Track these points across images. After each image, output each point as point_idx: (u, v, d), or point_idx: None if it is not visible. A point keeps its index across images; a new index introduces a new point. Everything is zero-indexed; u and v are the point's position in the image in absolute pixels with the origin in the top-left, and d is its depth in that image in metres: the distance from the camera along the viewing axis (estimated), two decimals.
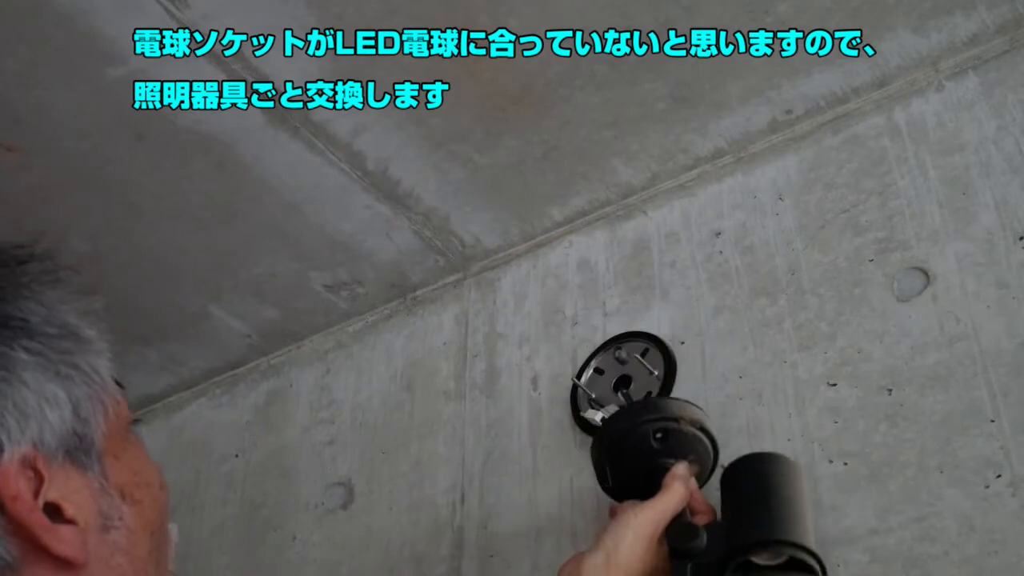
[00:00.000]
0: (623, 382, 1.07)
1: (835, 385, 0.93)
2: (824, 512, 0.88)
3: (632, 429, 0.88)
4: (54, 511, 0.56)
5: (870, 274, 0.96)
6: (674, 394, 1.02)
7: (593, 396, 1.07)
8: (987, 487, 0.82)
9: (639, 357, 1.06)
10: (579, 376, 1.10)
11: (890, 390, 0.90)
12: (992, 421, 0.84)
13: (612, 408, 1.01)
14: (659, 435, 0.87)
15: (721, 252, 1.08)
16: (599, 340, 1.12)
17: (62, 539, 0.56)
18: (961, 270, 0.91)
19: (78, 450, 0.59)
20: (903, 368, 0.90)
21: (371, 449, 1.27)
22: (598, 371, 1.10)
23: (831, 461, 0.90)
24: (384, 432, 1.28)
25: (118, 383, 0.62)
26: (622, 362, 1.08)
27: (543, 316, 1.21)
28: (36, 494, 0.56)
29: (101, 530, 0.59)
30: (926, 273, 0.93)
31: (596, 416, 1.00)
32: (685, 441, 0.87)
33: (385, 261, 1.31)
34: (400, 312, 1.36)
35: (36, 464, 0.56)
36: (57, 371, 0.58)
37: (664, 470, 0.85)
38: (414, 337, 1.33)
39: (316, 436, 1.35)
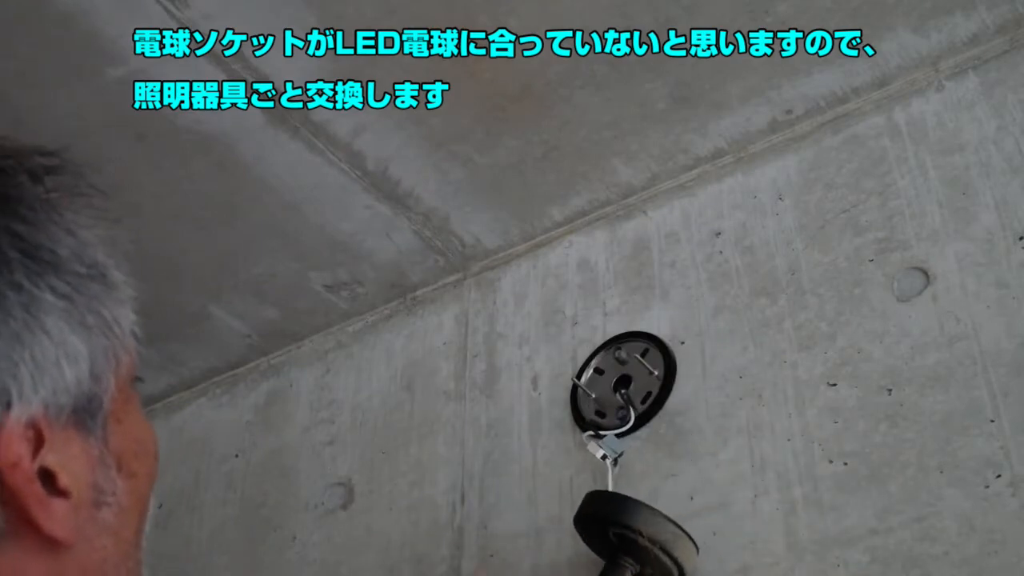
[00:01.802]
0: (623, 382, 1.07)
1: (835, 385, 0.93)
2: (825, 512, 0.88)
3: (597, 519, 0.92)
4: (47, 478, 0.49)
5: (870, 274, 0.96)
6: (674, 395, 1.02)
7: (593, 396, 1.07)
8: (987, 487, 0.82)
9: (639, 357, 1.06)
10: (579, 376, 1.10)
11: (890, 390, 0.90)
12: (992, 421, 0.84)
13: (612, 439, 1.01)
14: (615, 538, 0.90)
15: (721, 252, 1.08)
16: (599, 340, 1.12)
17: (53, 515, 0.49)
18: (961, 270, 0.91)
19: (85, 412, 0.51)
20: (903, 368, 0.90)
21: (371, 449, 1.27)
22: (598, 371, 1.10)
23: (831, 461, 0.90)
24: (384, 432, 1.28)
25: (134, 336, 0.54)
26: (622, 362, 1.08)
27: (543, 316, 1.21)
28: (32, 457, 0.48)
29: (92, 506, 0.52)
30: (926, 273, 0.93)
31: (598, 452, 1.00)
32: (640, 552, 0.88)
33: (385, 261, 1.31)
34: (400, 312, 1.36)
35: (39, 425, 0.49)
36: (82, 320, 0.50)
37: (616, 564, 0.88)
38: (414, 337, 1.33)
39: (316, 436, 1.35)
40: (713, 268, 1.08)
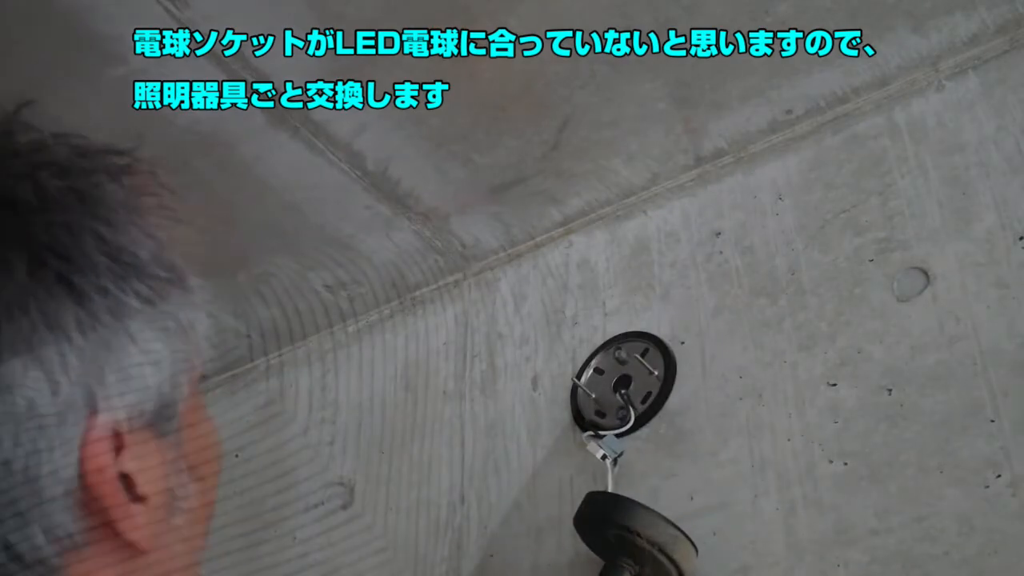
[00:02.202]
0: (623, 382, 1.07)
1: (835, 385, 0.93)
2: (824, 512, 0.88)
3: (597, 519, 0.92)
4: (126, 484, 0.48)
5: (870, 274, 0.96)
6: (674, 394, 1.02)
7: (593, 396, 1.07)
8: (987, 487, 0.82)
9: (639, 357, 1.06)
10: (579, 376, 1.10)
11: (890, 390, 0.90)
12: (992, 421, 0.84)
13: (612, 439, 1.01)
14: (615, 539, 0.89)
15: (721, 252, 1.08)
16: (599, 340, 1.12)
17: (134, 521, 0.49)
18: (961, 270, 0.91)
19: (162, 417, 0.51)
20: (903, 368, 0.90)
21: (371, 449, 1.27)
22: (598, 371, 1.10)
23: (831, 461, 0.90)
24: (384, 432, 1.28)
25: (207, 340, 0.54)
26: (622, 362, 1.08)
27: (543, 316, 1.20)
28: (113, 462, 0.48)
29: (167, 511, 0.52)
30: (926, 273, 0.93)
31: (598, 452, 1.00)
32: (639, 553, 0.88)
33: (385, 261, 1.31)
34: (400, 312, 1.36)
35: (121, 430, 0.48)
36: (164, 325, 0.50)
37: (615, 566, 0.88)
38: (414, 337, 1.33)
39: (316, 436, 1.35)
40: (713, 268, 1.08)
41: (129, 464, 0.48)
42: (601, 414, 1.06)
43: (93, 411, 0.46)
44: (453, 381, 1.24)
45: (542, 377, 1.16)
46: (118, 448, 0.47)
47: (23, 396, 0.44)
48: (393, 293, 1.36)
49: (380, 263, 1.31)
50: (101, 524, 0.47)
